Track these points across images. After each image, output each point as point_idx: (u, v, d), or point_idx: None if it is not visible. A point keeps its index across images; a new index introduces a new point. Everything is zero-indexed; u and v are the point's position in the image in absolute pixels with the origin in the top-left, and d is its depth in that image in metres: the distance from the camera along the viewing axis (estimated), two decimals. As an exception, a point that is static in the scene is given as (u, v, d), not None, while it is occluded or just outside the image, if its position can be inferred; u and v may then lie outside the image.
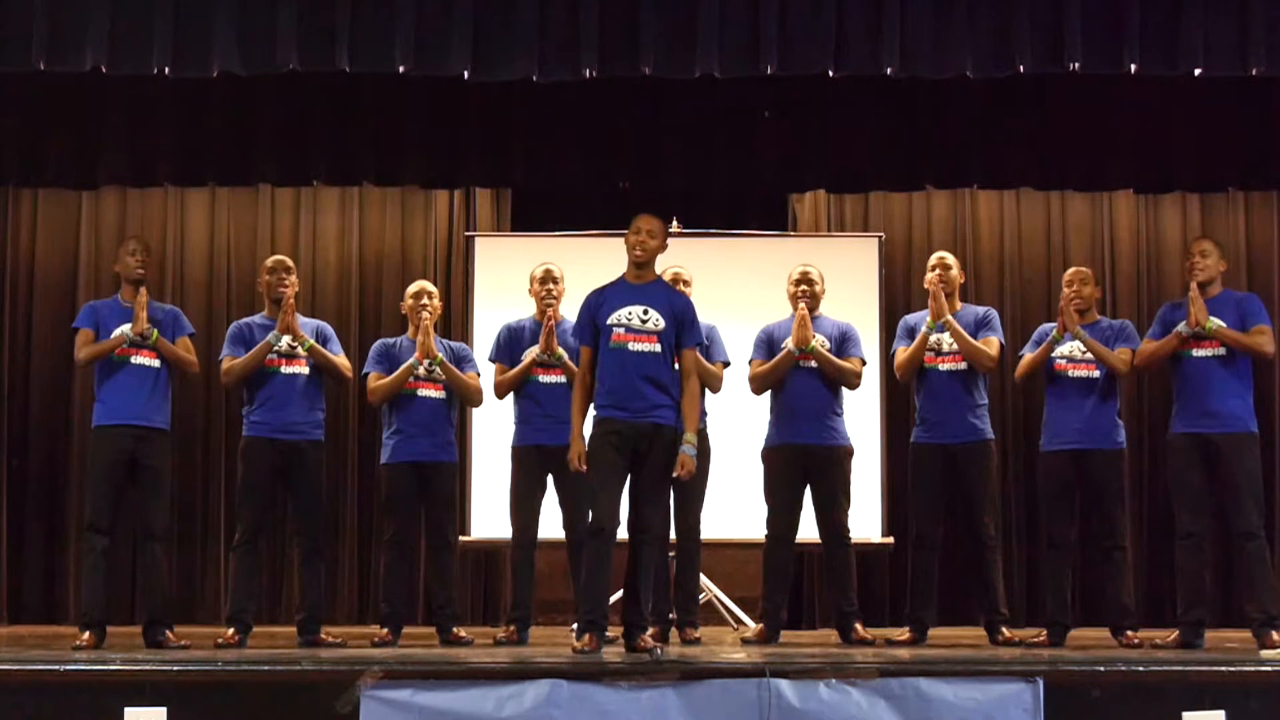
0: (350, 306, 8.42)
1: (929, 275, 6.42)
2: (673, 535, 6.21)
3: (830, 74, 6.05)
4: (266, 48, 5.91)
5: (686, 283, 6.32)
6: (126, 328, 5.98)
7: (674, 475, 5.45)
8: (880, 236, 8.08)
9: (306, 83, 6.45)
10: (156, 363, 6.04)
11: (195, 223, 8.46)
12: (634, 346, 5.45)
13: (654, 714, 4.76)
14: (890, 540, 7.61)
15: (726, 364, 6.48)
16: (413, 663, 4.95)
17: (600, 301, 5.53)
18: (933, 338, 6.33)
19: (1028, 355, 6.38)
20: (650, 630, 5.51)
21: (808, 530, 6.42)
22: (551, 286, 6.39)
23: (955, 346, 6.29)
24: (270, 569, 7.80)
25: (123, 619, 7.12)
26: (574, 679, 4.80)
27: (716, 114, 7.11)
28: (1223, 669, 5.02)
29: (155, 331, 6.01)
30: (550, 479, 6.34)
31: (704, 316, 5.78)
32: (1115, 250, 8.50)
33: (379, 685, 4.76)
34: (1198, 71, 6.01)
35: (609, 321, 5.47)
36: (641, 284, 5.56)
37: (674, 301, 5.58)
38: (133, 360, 6.00)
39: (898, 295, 8.23)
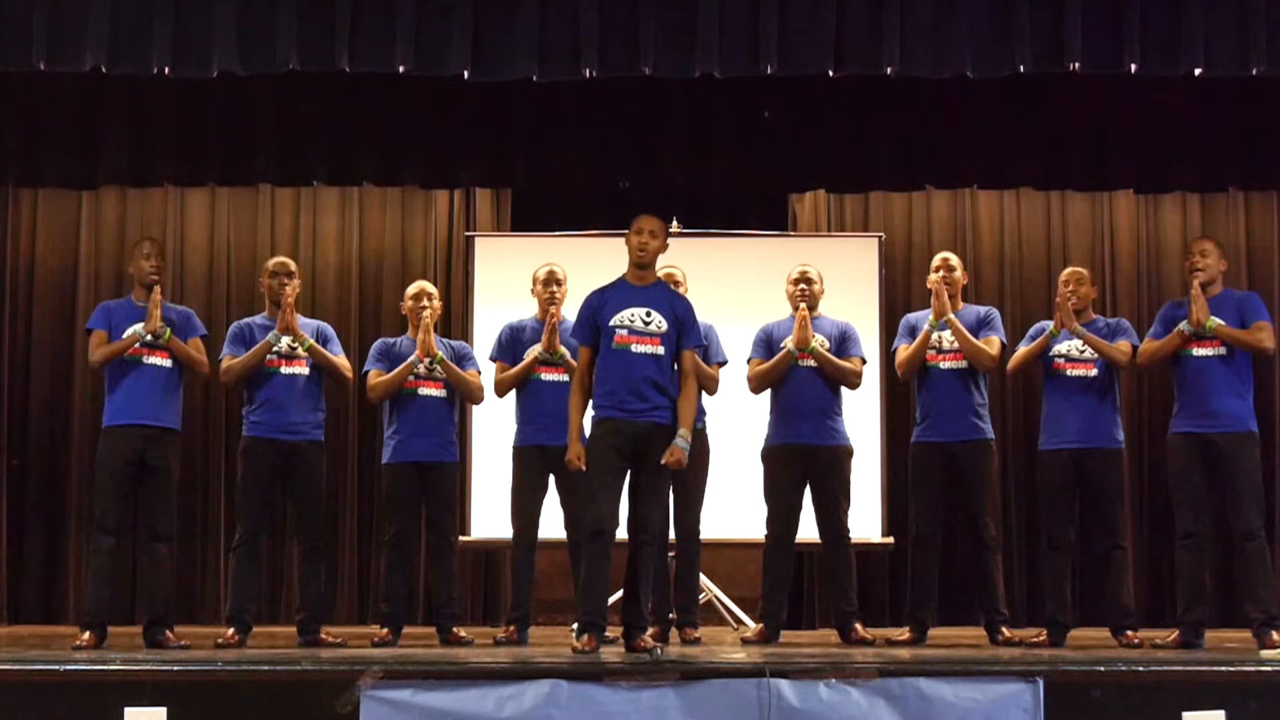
0: (350, 306, 8.42)
1: (933, 275, 6.42)
2: (672, 535, 6.22)
3: (830, 74, 6.05)
4: (266, 48, 5.91)
5: (678, 282, 6.31)
6: (139, 326, 5.97)
7: (662, 463, 5.37)
8: (880, 236, 8.08)
9: (306, 83, 6.45)
10: (169, 363, 6.03)
11: (195, 223, 8.46)
12: (637, 349, 5.44)
13: (654, 714, 4.76)
14: (890, 540, 7.61)
15: (723, 363, 6.48)
16: (413, 663, 4.95)
17: (602, 302, 5.52)
18: (934, 336, 6.33)
19: (1021, 349, 6.38)
20: (650, 630, 5.51)
21: (808, 530, 6.42)
22: (555, 289, 6.38)
23: (956, 345, 6.30)
24: (270, 569, 7.80)
25: (123, 619, 7.09)
26: (574, 679, 4.80)
27: (716, 114, 7.10)
28: (1223, 669, 5.02)
29: (168, 330, 6.00)
30: (551, 479, 6.34)
31: (703, 316, 5.78)
32: (1115, 250, 8.50)
33: (379, 685, 4.76)
34: (1198, 71, 6.01)
35: (611, 323, 5.46)
36: (643, 285, 5.56)
37: (675, 304, 5.58)
38: (145, 361, 5.98)
39: (898, 295, 8.23)
